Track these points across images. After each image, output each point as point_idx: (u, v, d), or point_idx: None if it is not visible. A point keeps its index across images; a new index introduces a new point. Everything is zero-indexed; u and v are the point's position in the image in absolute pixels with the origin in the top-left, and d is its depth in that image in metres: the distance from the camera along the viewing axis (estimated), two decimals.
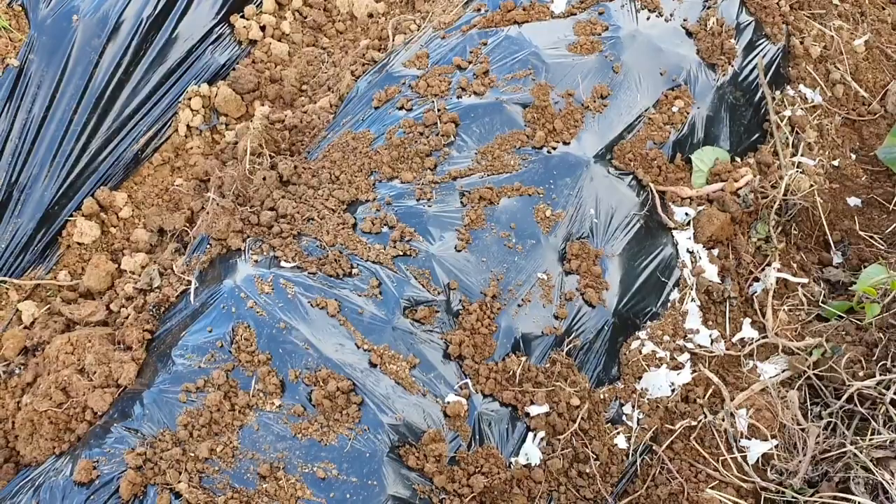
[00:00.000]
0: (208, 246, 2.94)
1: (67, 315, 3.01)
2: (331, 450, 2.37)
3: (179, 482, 2.33)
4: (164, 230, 3.26)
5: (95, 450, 2.46)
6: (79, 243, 3.26)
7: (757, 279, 3.09)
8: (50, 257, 3.28)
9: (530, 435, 2.56)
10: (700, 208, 3.05)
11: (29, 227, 3.25)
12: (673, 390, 2.77)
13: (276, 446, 2.39)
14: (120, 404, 2.59)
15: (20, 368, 2.91)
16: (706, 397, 2.79)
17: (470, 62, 3.21)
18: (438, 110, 3.03)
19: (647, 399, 2.74)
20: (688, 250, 3.00)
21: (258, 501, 2.30)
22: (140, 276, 3.06)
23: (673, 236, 3.00)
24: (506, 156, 2.93)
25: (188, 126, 3.57)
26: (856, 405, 2.68)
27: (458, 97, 3.08)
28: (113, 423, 2.52)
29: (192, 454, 2.38)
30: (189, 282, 2.87)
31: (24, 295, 3.17)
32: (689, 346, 2.85)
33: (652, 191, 3.02)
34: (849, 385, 2.70)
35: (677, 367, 2.80)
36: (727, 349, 2.89)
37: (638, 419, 2.70)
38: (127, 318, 2.91)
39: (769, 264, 3.13)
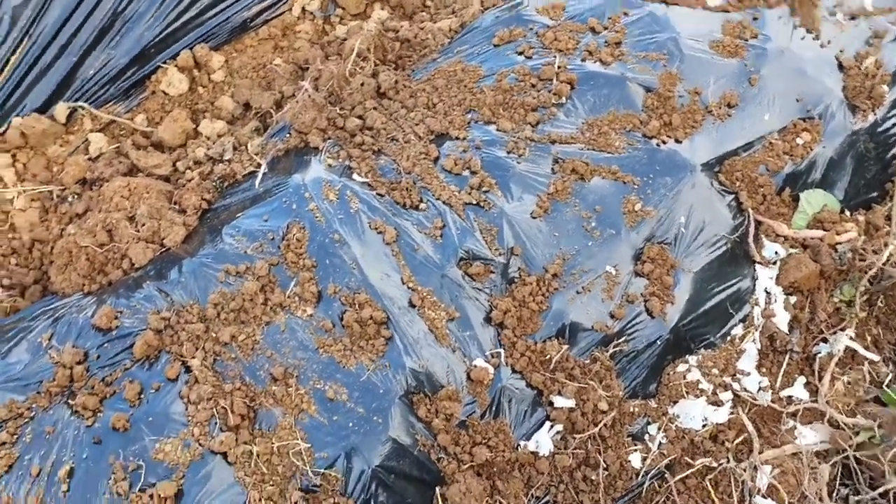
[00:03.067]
0: (288, 135, 2.86)
1: (134, 160, 2.97)
2: (347, 374, 2.31)
3: (193, 358, 2.29)
4: (251, 106, 3.18)
5: (122, 300, 2.43)
6: (164, 92, 3.21)
7: (825, 340, 2.90)
8: (133, 98, 3.23)
9: (547, 424, 2.46)
10: (792, 251, 2.86)
11: (121, 61, 3.19)
12: (704, 425, 2.63)
13: (296, 354, 2.33)
14: (159, 263, 2.55)
15: (74, 197, 2.89)
16: (735, 442, 2.65)
17: (605, 28, 3.02)
18: (558, 67, 2.86)
19: (676, 426, 2.61)
20: (766, 290, 2.82)
21: (262, 401, 2.25)
22: (215, 143, 2.99)
23: (755, 270, 2.82)
24: (613, 134, 2.77)
25: (303, 9, 3.46)
26: (889, 503, 2.52)
27: (582, 60, 2.91)
28: (147, 279, 2.49)
29: (214, 335, 2.34)
30: (259, 165, 2.79)
31: (98, 127, 3.13)
32: (736, 386, 2.70)
33: (750, 217, 2.84)
34: (887, 480, 2.53)
35: (716, 403, 2.65)
36: (772, 401, 2.73)
37: (660, 443, 2.58)
38: (190, 181, 2.85)
39: (843, 329, 2.93)
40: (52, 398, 2.24)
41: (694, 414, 2.63)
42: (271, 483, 2.15)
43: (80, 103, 3.13)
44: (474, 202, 2.60)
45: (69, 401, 2.23)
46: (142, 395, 2.25)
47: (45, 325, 2.43)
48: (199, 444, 2.17)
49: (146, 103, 3.21)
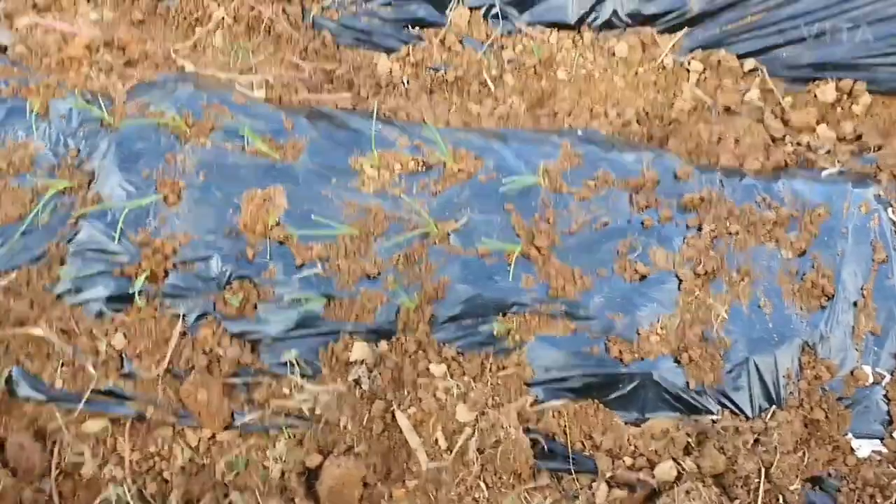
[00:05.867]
0: (870, 165, 3.80)
1: (769, 118, 4.14)
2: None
3: None
4: (862, 138, 4.08)
5: None
6: (815, 94, 4.24)
7: None
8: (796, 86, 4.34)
9: None
10: None
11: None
12: None
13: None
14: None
15: None
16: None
17: None
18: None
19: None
20: None
21: None
22: (820, 140, 4.02)
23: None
24: None
25: None
26: None
27: None
28: None
29: None
30: (835, 165, 3.85)
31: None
32: None
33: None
34: None
35: None
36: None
37: None
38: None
39: None
40: None
41: None
42: None
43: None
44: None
45: None
46: None
47: None
48: None
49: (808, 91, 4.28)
